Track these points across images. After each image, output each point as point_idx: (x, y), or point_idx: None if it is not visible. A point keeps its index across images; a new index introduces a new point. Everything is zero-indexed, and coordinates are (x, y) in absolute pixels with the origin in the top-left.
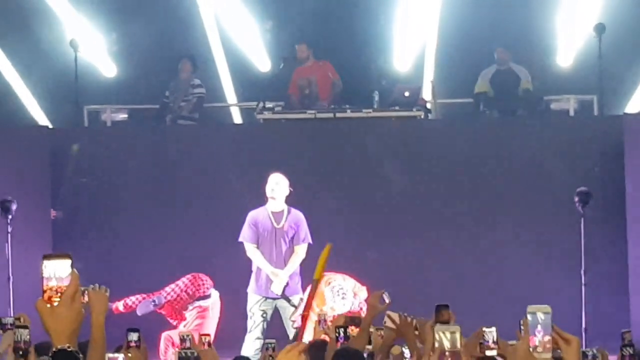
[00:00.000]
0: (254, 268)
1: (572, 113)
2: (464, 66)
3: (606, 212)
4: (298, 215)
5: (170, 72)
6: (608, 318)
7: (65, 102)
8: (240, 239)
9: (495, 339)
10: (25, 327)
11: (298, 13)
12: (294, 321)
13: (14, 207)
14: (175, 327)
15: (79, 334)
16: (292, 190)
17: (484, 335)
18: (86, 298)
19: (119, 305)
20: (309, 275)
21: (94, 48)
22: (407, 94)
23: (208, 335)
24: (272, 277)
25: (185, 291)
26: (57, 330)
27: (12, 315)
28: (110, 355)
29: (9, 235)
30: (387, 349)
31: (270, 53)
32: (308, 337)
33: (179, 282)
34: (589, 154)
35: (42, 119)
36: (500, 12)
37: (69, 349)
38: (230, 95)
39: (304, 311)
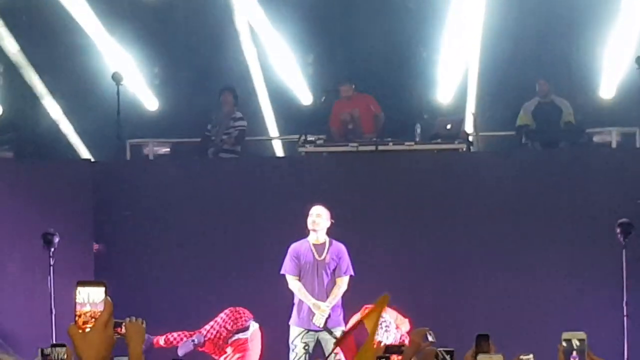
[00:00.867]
0: (296, 300)
1: (614, 145)
2: (505, 99)
3: None
4: (340, 247)
5: (212, 105)
6: None
7: (108, 136)
8: (282, 272)
9: None
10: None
11: (340, 46)
12: (336, 353)
13: (56, 239)
14: None
15: None
16: (333, 222)
17: None
18: (124, 329)
19: (160, 340)
20: (351, 308)
21: (136, 81)
22: (449, 126)
23: None
24: (314, 309)
25: (224, 326)
26: (88, 356)
27: None
28: None
29: (52, 267)
30: None
31: (311, 86)
32: None
33: (217, 319)
34: (632, 186)
35: (85, 153)
36: (542, 45)
37: None
38: (272, 128)
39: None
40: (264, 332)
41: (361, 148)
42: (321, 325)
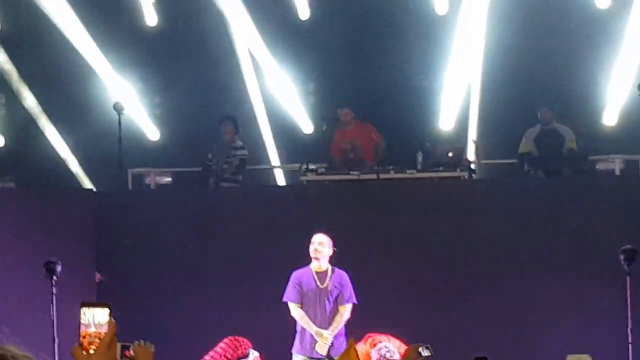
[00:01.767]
0: (298, 328)
1: (617, 172)
2: (507, 126)
3: None
4: (342, 275)
5: (213, 134)
6: None
7: (110, 166)
8: (284, 299)
9: None
10: None
11: (340, 75)
12: None
13: (58, 268)
14: None
15: None
16: (335, 250)
17: None
18: (132, 352)
19: None
20: (354, 336)
21: (137, 111)
22: (450, 154)
23: None
24: (316, 337)
25: (224, 355)
26: None
27: None
28: None
29: (54, 296)
30: None
31: (312, 115)
32: None
33: (217, 348)
34: (635, 213)
35: (87, 182)
36: (544, 72)
37: None
38: (273, 157)
39: None
40: None
41: (363, 176)
42: (324, 354)
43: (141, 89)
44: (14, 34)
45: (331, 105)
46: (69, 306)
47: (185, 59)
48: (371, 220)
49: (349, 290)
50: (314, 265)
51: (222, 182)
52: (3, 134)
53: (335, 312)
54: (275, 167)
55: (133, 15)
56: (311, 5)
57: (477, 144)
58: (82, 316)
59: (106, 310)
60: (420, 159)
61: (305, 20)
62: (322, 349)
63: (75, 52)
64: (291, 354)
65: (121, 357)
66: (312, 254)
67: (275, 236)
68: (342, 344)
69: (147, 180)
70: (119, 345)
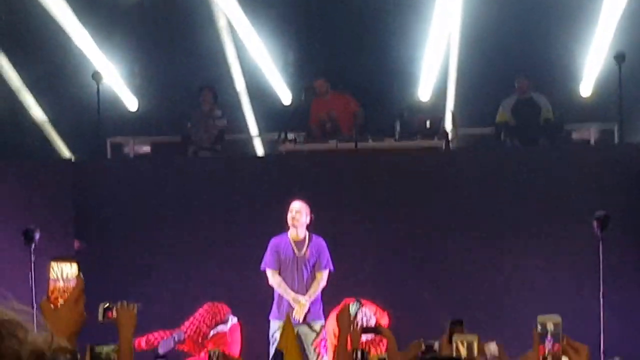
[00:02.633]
0: (275, 295)
1: (592, 142)
2: (484, 96)
3: (625, 238)
4: (319, 242)
5: (192, 104)
6: (627, 342)
7: (89, 135)
8: (262, 267)
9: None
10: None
11: (319, 45)
12: (315, 347)
13: (37, 236)
14: (197, 358)
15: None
16: (312, 217)
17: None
18: (115, 314)
19: (142, 342)
20: (330, 302)
21: (116, 81)
22: (428, 124)
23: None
24: (293, 303)
25: (204, 322)
26: (58, 331)
27: None
28: None
29: (33, 264)
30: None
31: (291, 85)
32: None
33: (196, 315)
34: (610, 181)
35: (66, 152)
36: (521, 42)
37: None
38: (252, 126)
39: None
40: (244, 326)
41: (340, 146)
42: (301, 320)
43: (120, 58)
44: None
45: (310, 76)
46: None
47: (164, 28)
48: (349, 189)
49: (325, 257)
50: (291, 233)
51: (201, 151)
52: None
53: (312, 279)
54: (254, 136)
55: None
56: None
57: (455, 113)
58: (51, 271)
59: (74, 266)
60: (398, 128)
61: None
62: (299, 315)
63: (54, 21)
64: (269, 320)
65: (103, 318)
66: (289, 222)
67: (254, 205)
68: (319, 311)
69: (126, 150)
70: (101, 306)
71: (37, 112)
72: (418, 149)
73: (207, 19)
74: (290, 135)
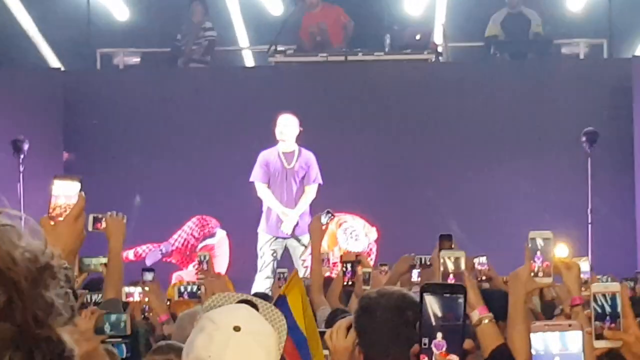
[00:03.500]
0: (264, 208)
1: (582, 56)
2: (475, 9)
3: (614, 153)
4: (309, 155)
5: (183, 15)
6: (615, 257)
7: (78, 45)
8: (251, 179)
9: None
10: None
11: None
12: (304, 260)
13: (26, 146)
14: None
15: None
16: (302, 129)
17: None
18: (104, 225)
19: (129, 254)
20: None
21: None
22: (418, 37)
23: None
24: (282, 217)
25: (192, 234)
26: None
27: None
28: (127, 289)
29: (21, 174)
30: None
31: None
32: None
33: (185, 227)
34: (599, 97)
35: (55, 62)
36: None
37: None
38: (242, 38)
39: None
40: (233, 239)
41: (331, 58)
42: (289, 233)
43: None
44: None
45: None
46: (36, 183)
47: None
48: (338, 102)
49: (315, 170)
50: (280, 146)
51: (190, 62)
52: None
53: (301, 192)
54: (243, 48)
55: None
56: None
57: (445, 27)
58: (52, 188)
59: (77, 184)
60: (388, 41)
61: None
62: (287, 228)
63: None
64: (257, 233)
65: (93, 229)
66: (277, 137)
67: (244, 117)
68: (307, 224)
69: (116, 61)
70: (91, 217)
71: (26, 22)
72: (408, 61)
73: None
74: (280, 47)
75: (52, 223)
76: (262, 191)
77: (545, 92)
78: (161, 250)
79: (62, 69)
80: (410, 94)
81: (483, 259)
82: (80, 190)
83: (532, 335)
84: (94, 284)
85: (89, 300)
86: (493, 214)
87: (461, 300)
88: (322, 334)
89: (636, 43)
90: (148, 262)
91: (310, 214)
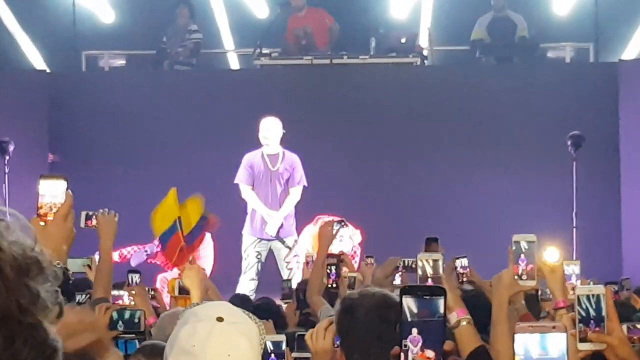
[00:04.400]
0: (249, 210)
1: (568, 60)
2: (460, 13)
3: (600, 157)
4: (293, 157)
5: (168, 18)
6: (599, 261)
7: (63, 47)
8: (235, 181)
9: (465, 265)
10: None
11: None
12: (288, 262)
13: (11, 148)
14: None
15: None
16: (285, 132)
17: (455, 265)
18: (94, 222)
19: (114, 256)
20: (303, 218)
21: None
22: (403, 40)
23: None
24: (266, 218)
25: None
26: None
27: None
28: (115, 292)
29: (6, 176)
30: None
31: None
32: (297, 278)
33: None
34: (584, 100)
35: (40, 64)
36: None
37: (58, 265)
38: (227, 41)
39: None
40: (217, 241)
41: (316, 61)
42: (274, 235)
43: None
44: None
45: None
46: (21, 185)
47: None
48: (324, 105)
49: (299, 173)
50: (265, 148)
51: (176, 65)
52: None
53: (285, 194)
54: (229, 51)
55: None
56: None
57: (430, 30)
58: (38, 188)
59: (63, 183)
60: (373, 44)
61: None
62: (272, 230)
63: None
64: (242, 235)
65: (84, 226)
66: (261, 141)
67: (229, 119)
68: (292, 226)
69: (101, 63)
70: (83, 214)
71: (11, 24)
72: (393, 64)
73: None
74: (266, 50)
75: (42, 224)
76: (247, 193)
77: (531, 96)
78: (146, 251)
79: (48, 70)
80: (396, 97)
81: (464, 261)
82: (67, 188)
83: (515, 336)
84: (78, 284)
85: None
86: (478, 216)
87: (441, 302)
88: (302, 336)
89: (622, 47)
90: (133, 264)
91: (295, 216)
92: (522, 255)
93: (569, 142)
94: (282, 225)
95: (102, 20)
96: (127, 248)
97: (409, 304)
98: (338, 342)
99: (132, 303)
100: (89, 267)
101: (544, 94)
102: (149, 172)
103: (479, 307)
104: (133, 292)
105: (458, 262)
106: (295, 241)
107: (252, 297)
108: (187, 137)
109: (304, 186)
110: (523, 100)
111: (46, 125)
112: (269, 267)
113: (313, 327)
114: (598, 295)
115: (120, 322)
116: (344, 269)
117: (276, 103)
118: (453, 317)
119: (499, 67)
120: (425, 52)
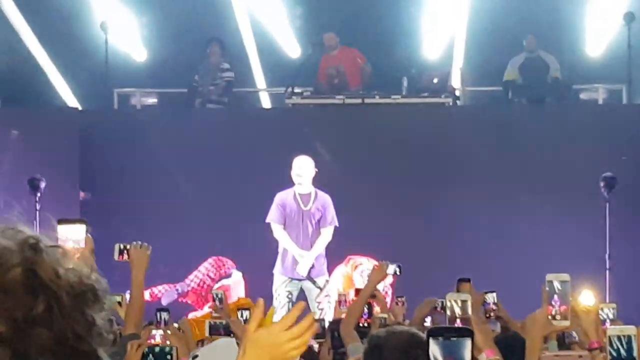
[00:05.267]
0: (280, 249)
1: (600, 102)
2: (493, 54)
3: (632, 199)
4: (325, 197)
5: (200, 56)
6: (632, 303)
7: (96, 85)
8: (267, 220)
9: (495, 301)
10: None
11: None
12: (319, 302)
13: (42, 185)
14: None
15: None
16: (317, 170)
17: (485, 299)
18: (126, 257)
19: (145, 294)
20: (334, 258)
21: (124, 31)
22: (435, 80)
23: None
24: (298, 258)
25: (208, 275)
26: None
27: None
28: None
29: (37, 212)
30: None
31: (299, 39)
32: (329, 317)
33: (201, 268)
34: (617, 142)
35: (72, 101)
36: (530, 0)
37: None
38: (259, 80)
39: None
40: (248, 280)
41: (348, 101)
42: (305, 275)
43: (129, 8)
44: None
45: (318, 30)
46: (52, 224)
47: None
48: (355, 145)
49: (331, 213)
50: (297, 188)
51: (208, 103)
52: None
53: (317, 234)
54: (261, 89)
55: None
56: None
57: (463, 70)
58: (58, 234)
59: (82, 227)
60: (405, 84)
61: None
62: (303, 270)
63: None
64: (272, 274)
65: (118, 258)
66: (294, 180)
67: (260, 158)
68: (323, 266)
69: (133, 101)
70: (116, 246)
71: (44, 61)
72: (425, 104)
73: None
74: (298, 90)
75: None
76: (278, 232)
77: (564, 137)
78: (177, 290)
79: (80, 108)
80: (428, 138)
81: (494, 296)
82: (86, 232)
83: None
84: None
85: None
86: (511, 257)
87: (468, 343)
88: None
89: None
90: (164, 302)
91: (326, 257)
92: (556, 296)
93: (601, 184)
94: (313, 265)
95: (135, 58)
96: (158, 287)
97: (434, 349)
98: None
99: (168, 342)
100: (119, 304)
101: (576, 136)
102: (180, 210)
103: (514, 347)
104: (169, 331)
105: (488, 297)
106: (327, 281)
107: None
108: (219, 175)
109: (336, 226)
110: (555, 141)
111: (77, 162)
112: None
113: None
114: (629, 336)
115: (150, 356)
116: (376, 308)
117: (307, 142)
118: (482, 358)
119: (531, 108)
120: (457, 93)
